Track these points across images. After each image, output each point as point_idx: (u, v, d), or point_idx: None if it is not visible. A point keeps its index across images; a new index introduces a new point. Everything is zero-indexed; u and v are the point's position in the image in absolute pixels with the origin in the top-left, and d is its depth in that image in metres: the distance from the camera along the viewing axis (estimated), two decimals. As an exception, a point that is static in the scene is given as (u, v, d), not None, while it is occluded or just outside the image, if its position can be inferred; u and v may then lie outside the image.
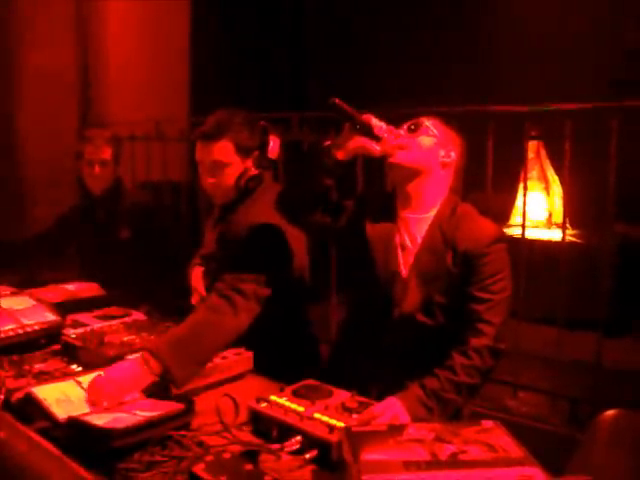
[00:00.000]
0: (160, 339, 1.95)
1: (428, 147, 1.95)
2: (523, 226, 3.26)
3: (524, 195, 3.31)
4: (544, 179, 4.60)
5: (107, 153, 3.14)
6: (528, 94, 3.74)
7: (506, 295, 1.89)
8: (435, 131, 1.96)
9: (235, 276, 2.06)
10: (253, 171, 2.26)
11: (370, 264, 2.00)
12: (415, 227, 1.96)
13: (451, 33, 4.85)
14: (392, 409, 1.66)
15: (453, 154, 1.97)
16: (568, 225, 3.64)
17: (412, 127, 1.97)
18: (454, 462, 1.28)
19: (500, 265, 1.89)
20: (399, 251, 1.97)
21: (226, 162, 2.21)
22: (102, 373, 1.80)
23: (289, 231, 2.17)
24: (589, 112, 2.92)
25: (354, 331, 2.11)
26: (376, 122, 1.88)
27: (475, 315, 1.85)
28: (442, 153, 1.96)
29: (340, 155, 1.91)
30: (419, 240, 1.95)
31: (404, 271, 1.95)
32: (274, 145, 2.29)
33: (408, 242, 1.97)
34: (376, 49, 5.17)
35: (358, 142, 1.89)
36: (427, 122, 1.97)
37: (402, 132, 1.96)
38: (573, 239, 4.18)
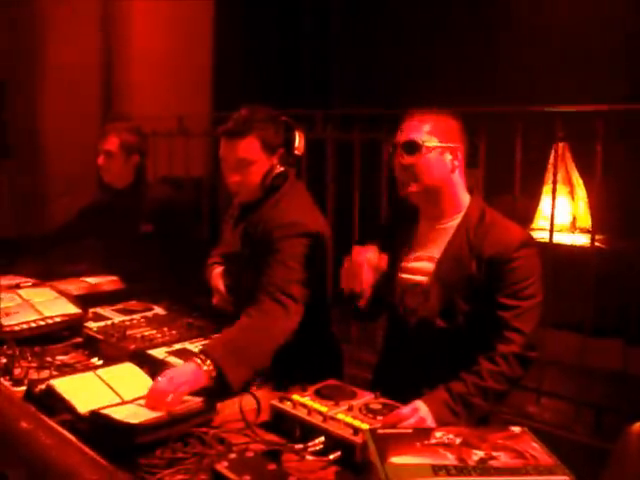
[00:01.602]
0: (214, 342, 1.94)
1: (434, 162, 1.88)
2: (551, 231, 3.20)
3: (553, 198, 3.23)
4: (569, 182, 4.53)
5: (112, 144, 3.10)
6: (550, 94, 3.71)
7: (536, 302, 1.83)
8: (434, 142, 1.87)
9: (284, 279, 2.06)
10: (279, 168, 2.22)
11: (392, 273, 1.99)
12: (441, 236, 1.93)
13: (477, 33, 4.80)
14: (418, 412, 1.63)
15: (460, 153, 1.90)
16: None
17: (409, 148, 1.87)
18: (484, 468, 1.25)
19: (528, 271, 1.83)
20: (423, 260, 1.95)
21: (252, 160, 2.16)
22: (159, 378, 1.73)
23: (319, 229, 2.18)
24: (619, 114, 2.86)
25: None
26: None
27: (502, 322, 1.80)
28: (449, 157, 1.89)
29: (362, 303, 1.90)
30: (443, 248, 1.92)
31: (426, 279, 1.93)
32: (300, 141, 2.26)
33: (434, 252, 1.94)
34: (401, 47, 5.13)
35: (368, 281, 1.85)
36: (422, 139, 1.86)
37: (400, 152, 1.89)
38: (598, 244, 4.13)
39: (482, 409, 1.76)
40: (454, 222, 1.92)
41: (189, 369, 1.79)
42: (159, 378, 1.74)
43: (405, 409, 1.63)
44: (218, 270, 2.41)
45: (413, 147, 1.87)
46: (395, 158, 1.92)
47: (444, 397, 1.72)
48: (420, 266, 1.96)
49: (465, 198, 1.94)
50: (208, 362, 1.80)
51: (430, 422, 1.63)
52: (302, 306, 2.05)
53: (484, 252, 1.85)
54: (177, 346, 2.09)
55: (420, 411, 1.63)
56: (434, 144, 1.87)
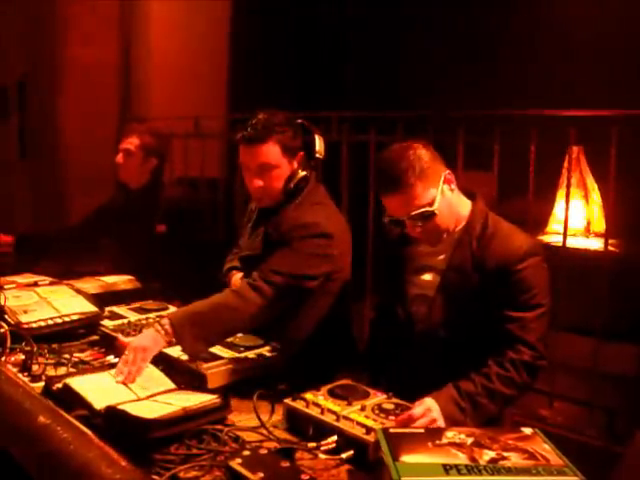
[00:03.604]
0: (182, 310, 2.01)
1: (445, 208, 1.86)
2: (564, 235, 3.19)
3: (566, 202, 3.24)
4: (583, 187, 4.51)
5: (132, 144, 3.14)
6: (566, 98, 3.70)
7: (541, 311, 1.82)
8: (435, 193, 1.82)
9: (272, 269, 2.08)
10: (301, 172, 2.23)
11: (398, 284, 2.02)
12: (444, 246, 1.94)
13: (493, 35, 4.79)
14: (431, 413, 1.64)
15: (449, 173, 1.87)
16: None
17: (422, 218, 1.83)
18: (494, 468, 1.26)
19: (533, 281, 1.82)
20: (427, 272, 1.97)
21: (274, 164, 2.17)
22: (127, 352, 1.88)
23: (338, 232, 2.20)
24: (635, 118, 2.86)
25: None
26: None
27: (509, 334, 1.81)
28: (447, 188, 1.86)
29: None
30: (447, 258, 1.93)
31: (431, 290, 1.95)
32: (320, 144, 2.27)
33: (438, 263, 1.95)
34: (416, 49, 5.13)
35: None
36: (434, 208, 1.82)
37: (411, 223, 1.85)
38: (611, 249, 4.11)
39: (489, 410, 1.77)
40: (456, 233, 1.92)
41: (149, 336, 1.91)
42: (126, 352, 1.87)
43: (417, 409, 1.64)
44: (238, 275, 2.43)
45: (427, 216, 1.83)
46: (407, 229, 1.89)
47: (452, 394, 1.74)
48: (425, 277, 1.97)
49: (466, 207, 1.94)
50: (167, 328, 1.90)
51: (441, 422, 1.64)
52: (285, 296, 2.07)
53: (487, 264, 1.85)
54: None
55: (432, 412, 1.64)
56: (437, 195, 1.83)
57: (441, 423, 1.65)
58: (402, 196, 1.81)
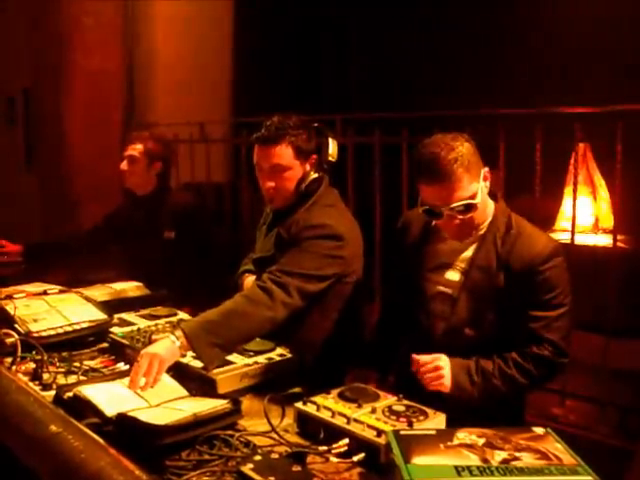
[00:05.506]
0: (195, 320, 2.00)
1: (483, 201, 1.87)
2: (572, 232, 3.19)
3: (574, 199, 3.23)
4: (590, 183, 4.51)
5: (136, 150, 3.16)
6: (572, 95, 3.69)
7: (564, 310, 1.86)
8: (477, 186, 1.83)
9: (281, 269, 2.08)
10: (313, 175, 2.25)
11: (415, 282, 2.02)
12: (467, 245, 1.95)
13: (495, 34, 4.78)
14: (440, 370, 1.75)
15: (486, 170, 1.88)
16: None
17: (465, 210, 1.83)
18: (507, 468, 1.26)
19: (556, 281, 1.85)
20: (450, 269, 1.97)
21: (286, 166, 2.19)
22: (139, 360, 1.84)
23: (348, 235, 2.20)
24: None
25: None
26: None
27: (532, 333, 1.85)
28: (483, 184, 1.87)
29: None
30: (470, 257, 1.94)
31: (454, 288, 1.95)
32: (334, 147, 2.28)
33: (461, 261, 1.95)
34: (420, 49, 5.12)
35: None
36: (476, 201, 1.83)
37: (452, 214, 1.85)
38: (620, 245, 4.09)
39: (499, 392, 1.84)
40: (480, 231, 1.93)
41: (164, 347, 1.87)
42: (139, 359, 1.83)
43: (434, 363, 1.76)
44: (250, 278, 2.43)
45: (469, 208, 1.84)
46: (442, 221, 1.89)
47: (469, 364, 1.83)
48: (448, 275, 1.97)
49: (490, 206, 1.95)
50: (182, 340, 1.88)
51: (447, 383, 1.76)
52: (296, 298, 2.07)
53: (512, 264, 1.86)
54: (201, 350, 2.10)
55: (443, 369, 1.77)
56: (479, 189, 1.84)
57: (447, 383, 1.76)
58: (448, 187, 1.80)
